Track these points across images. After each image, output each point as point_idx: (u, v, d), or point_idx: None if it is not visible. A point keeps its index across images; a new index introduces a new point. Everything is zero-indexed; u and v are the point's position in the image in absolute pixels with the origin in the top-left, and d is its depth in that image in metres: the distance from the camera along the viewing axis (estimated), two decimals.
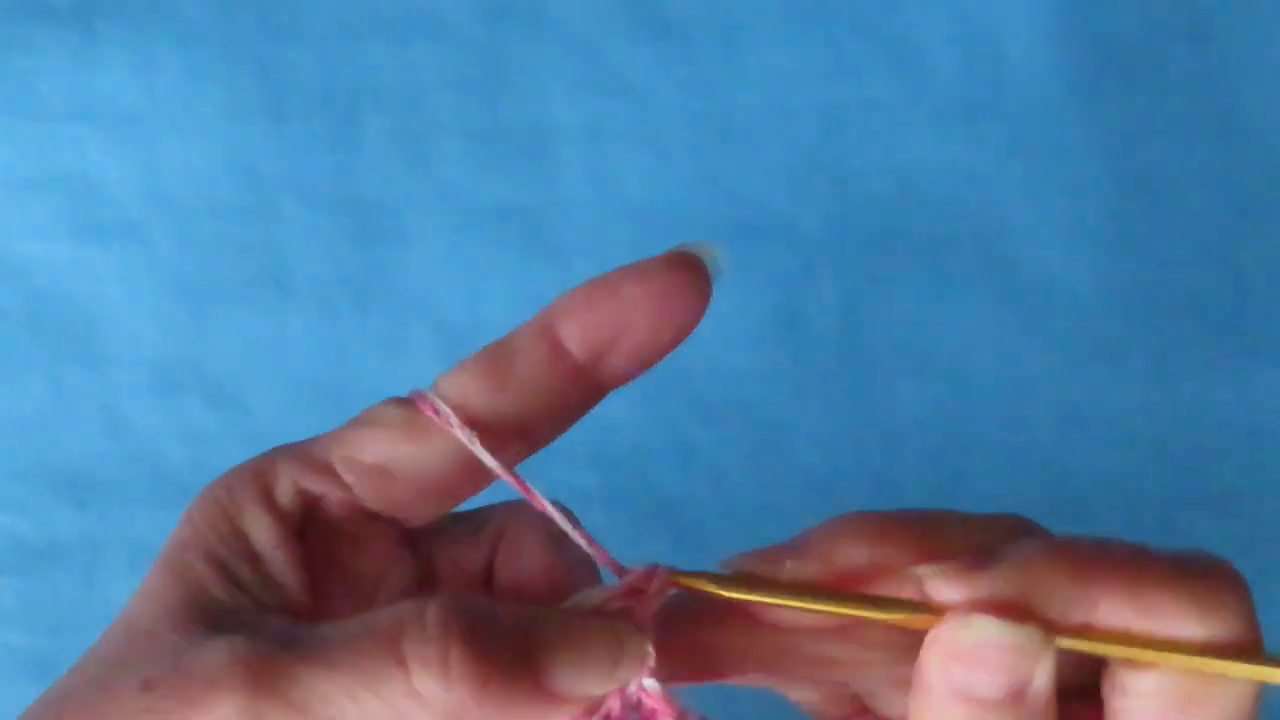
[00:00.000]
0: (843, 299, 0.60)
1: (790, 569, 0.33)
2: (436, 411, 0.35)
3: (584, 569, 0.37)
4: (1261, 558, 0.58)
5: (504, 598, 0.37)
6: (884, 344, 0.60)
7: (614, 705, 0.32)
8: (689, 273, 0.35)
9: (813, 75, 0.61)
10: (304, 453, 0.36)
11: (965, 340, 0.59)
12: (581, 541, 0.35)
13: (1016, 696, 0.31)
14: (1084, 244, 0.60)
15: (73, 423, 0.58)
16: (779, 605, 0.33)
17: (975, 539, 0.33)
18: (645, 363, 0.35)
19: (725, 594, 0.34)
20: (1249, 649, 0.32)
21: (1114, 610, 0.31)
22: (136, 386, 0.59)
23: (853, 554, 0.33)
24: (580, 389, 0.35)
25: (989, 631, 0.31)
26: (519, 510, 0.38)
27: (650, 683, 0.33)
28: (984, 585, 0.31)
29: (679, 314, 0.35)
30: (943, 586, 0.31)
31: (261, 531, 0.35)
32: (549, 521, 0.36)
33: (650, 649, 0.33)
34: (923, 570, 0.32)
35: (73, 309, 0.59)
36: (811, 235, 0.60)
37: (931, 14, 0.62)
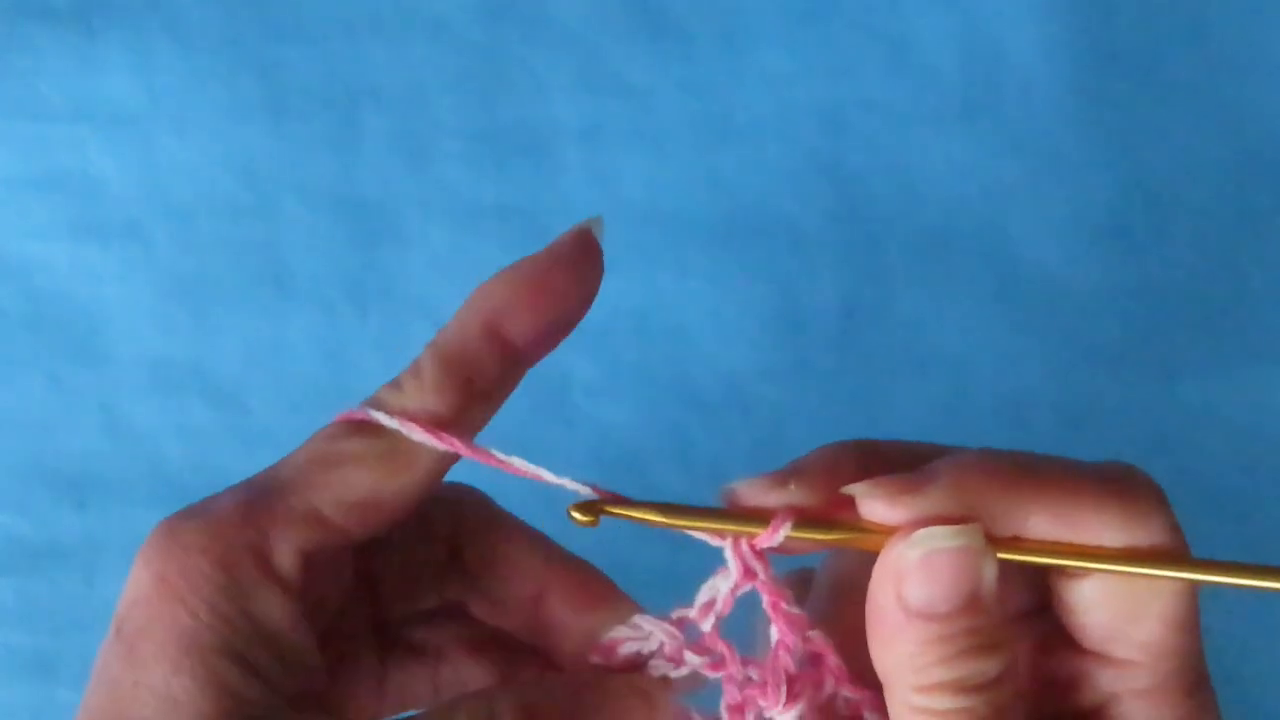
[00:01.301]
0: (843, 299, 0.60)
1: (793, 492, 0.34)
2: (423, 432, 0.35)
3: (563, 558, 0.38)
4: (1261, 558, 0.58)
5: (492, 589, 0.38)
6: (884, 344, 0.60)
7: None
8: (597, 250, 0.37)
9: (813, 75, 0.61)
10: (287, 509, 0.34)
11: (965, 340, 0.59)
12: (552, 479, 0.35)
13: (971, 602, 0.32)
14: (1084, 244, 0.60)
15: (73, 423, 0.58)
16: (714, 530, 0.34)
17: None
18: (560, 341, 0.36)
19: (663, 521, 0.34)
20: (1172, 554, 0.34)
21: (1043, 522, 0.32)
22: (136, 386, 0.59)
23: (845, 478, 0.34)
24: (517, 380, 0.36)
25: (936, 539, 0.32)
26: (468, 518, 0.38)
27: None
28: (919, 503, 0.32)
29: (593, 292, 0.36)
30: (878, 506, 0.32)
31: (273, 612, 0.33)
32: (507, 518, 0.38)
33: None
34: (856, 488, 0.33)
35: (73, 309, 0.59)
36: (811, 235, 0.60)
37: (931, 14, 0.62)
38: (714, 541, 0.34)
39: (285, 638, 0.33)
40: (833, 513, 0.34)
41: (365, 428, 0.35)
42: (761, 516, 0.34)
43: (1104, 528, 0.33)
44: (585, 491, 0.35)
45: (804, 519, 0.34)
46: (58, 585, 0.57)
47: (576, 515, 0.34)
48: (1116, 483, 0.34)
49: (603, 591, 0.37)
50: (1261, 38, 0.62)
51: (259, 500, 0.34)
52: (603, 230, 0.37)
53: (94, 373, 0.59)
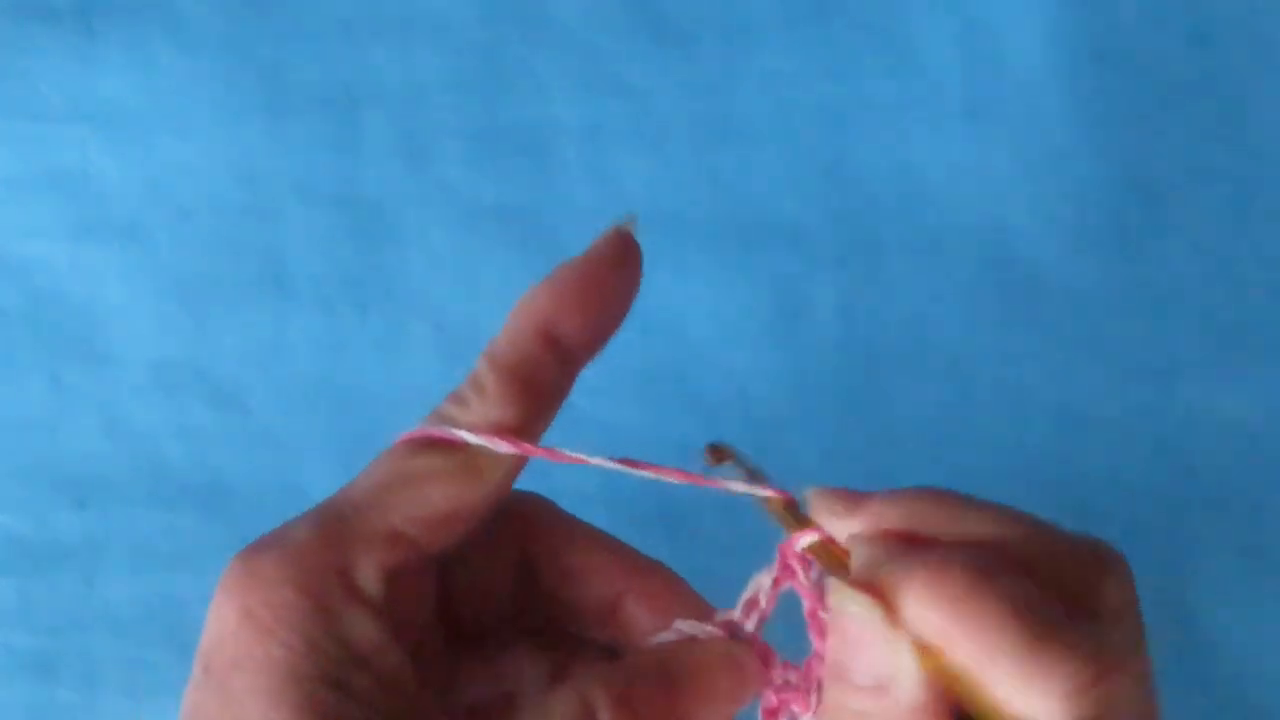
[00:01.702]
0: (843, 299, 0.60)
1: (842, 520, 0.34)
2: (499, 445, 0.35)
3: (632, 556, 0.38)
4: (1261, 558, 0.58)
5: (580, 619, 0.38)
6: (884, 344, 0.59)
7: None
8: (635, 247, 0.37)
9: (813, 75, 0.61)
10: (367, 529, 0.34)
11: (965, 340, 0.59)
12: (650, 474, 0.37)
13: None
14: (1084, 244, 0.60)
15: (73, 423, 0.58)
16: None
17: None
18: (608, 340, 0.37)
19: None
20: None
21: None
22: (136, 386, 0.59)
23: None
24: (572, 382, 0.37)
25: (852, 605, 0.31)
26: (534, 525, 0.38)
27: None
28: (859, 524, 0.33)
29: (635, 290, 0.37)
30: (823, 513, 0.34)
31: (364, 634, 0.32)
32: (573, 522, 0.38)
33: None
34: (814, 492, 0.34)
35: (73, 309, 0.59)
36: (811, 235, 0.60)
37: (931, 14, 0.62)
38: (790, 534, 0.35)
39: (378, 659, 0.32)
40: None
41: (434, 445, 0.35)
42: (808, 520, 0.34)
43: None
44: (670, 478, 0.36)
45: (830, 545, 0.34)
46: (58, 585, 0.57)
47: (710, 456, 0.36)
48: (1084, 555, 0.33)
49: (682, 594, 0.37)
50: (1262, 38, 0.62)
51: (336, 524, 0.34)
52: (637, 228, 0.38)
53: (94, 373, 0.59)
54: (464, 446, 0.34)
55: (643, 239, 0.60)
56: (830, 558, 0.34)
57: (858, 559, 0.32)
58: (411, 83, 0.61)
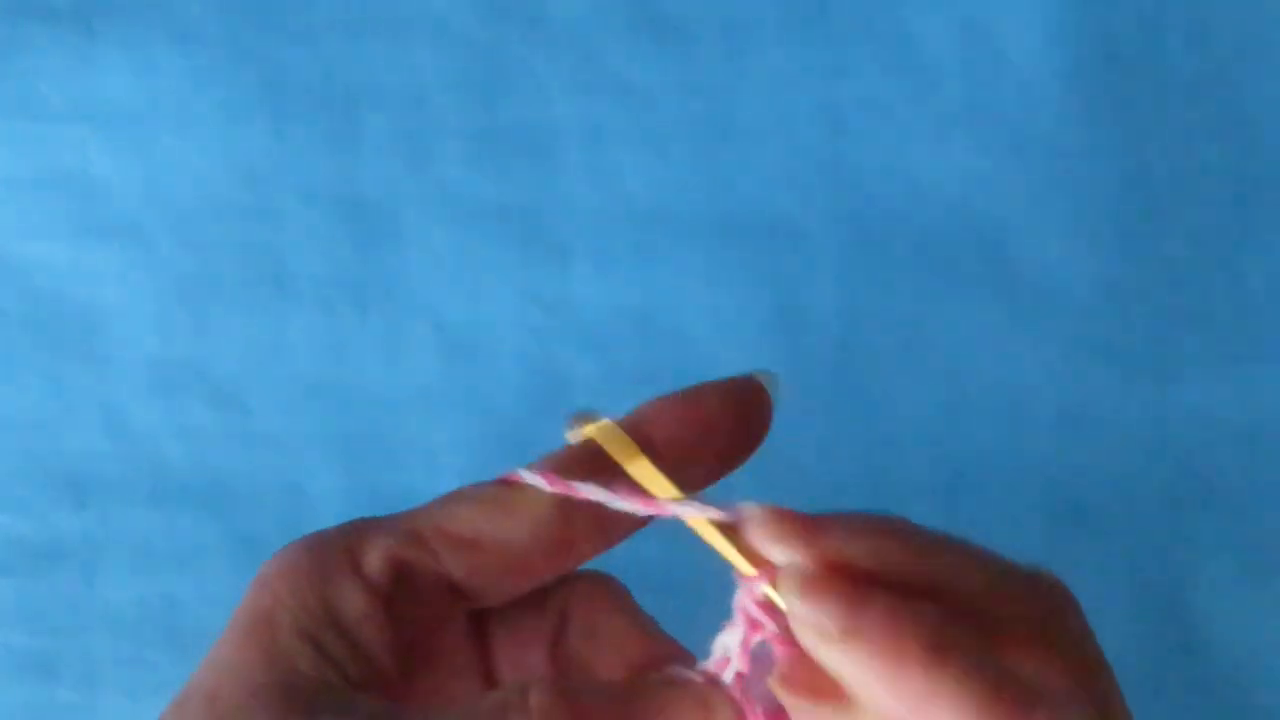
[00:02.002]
0: (843, 299, 0.60)
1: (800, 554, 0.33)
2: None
3: (666, 640, 0.38)
4: (1262, 558, 0.58)
5: (587, 675, 0.38)
6: (884, 344, 0.60)
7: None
8: (761, 395, 0.37)
9: (813, 75, 0.61)
10: (391, 523, 0.36)
11: (965, 340, 0.59)
12: (696, 512, 0.34)
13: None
14: (1084, 244, 0.60)
15: (73, 423, 0.58)
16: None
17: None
18: (720, 474, 0.37)
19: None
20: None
21: None
22: (136, 386, 0.59)
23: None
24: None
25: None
26: (583, 589, 0.38)
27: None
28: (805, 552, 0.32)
29: (755, 432, 0.37)
30: (766, 542, 0.32)
31: (350, 602, 0.34)
32: (623, 595, 0.38)
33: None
34: (758, 512, 0.33)
35: (73, 309, 0.59)
36: (811, 235, 0.60)
37: (931, 14, 0.62)
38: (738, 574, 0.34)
39: (356, 628, 0.34)
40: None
41: (499, 480, 0.36)
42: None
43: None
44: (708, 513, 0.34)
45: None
46: (58, 585, 0.57)
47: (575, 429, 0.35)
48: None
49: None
50: (1261, 38, 0.62)
51: (370, 518, 0.36)
52: (775, 384, 0.38)
53: (94, 373, 0.59)
54: (517, 485, 0.36)
55: (642, 239, 0.61)
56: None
57: (804, 616, 0.31)
58: (411, 83, 0.61)
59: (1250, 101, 0.61)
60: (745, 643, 0.33)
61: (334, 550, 0.35)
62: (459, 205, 0.60)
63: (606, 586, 0.39)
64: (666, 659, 0.36)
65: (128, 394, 0.59)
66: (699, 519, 0.34)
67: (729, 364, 0.60)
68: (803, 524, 0.32)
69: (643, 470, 0.35)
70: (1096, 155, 0.61)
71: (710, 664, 0.34)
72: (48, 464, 0.58)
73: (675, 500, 0.35)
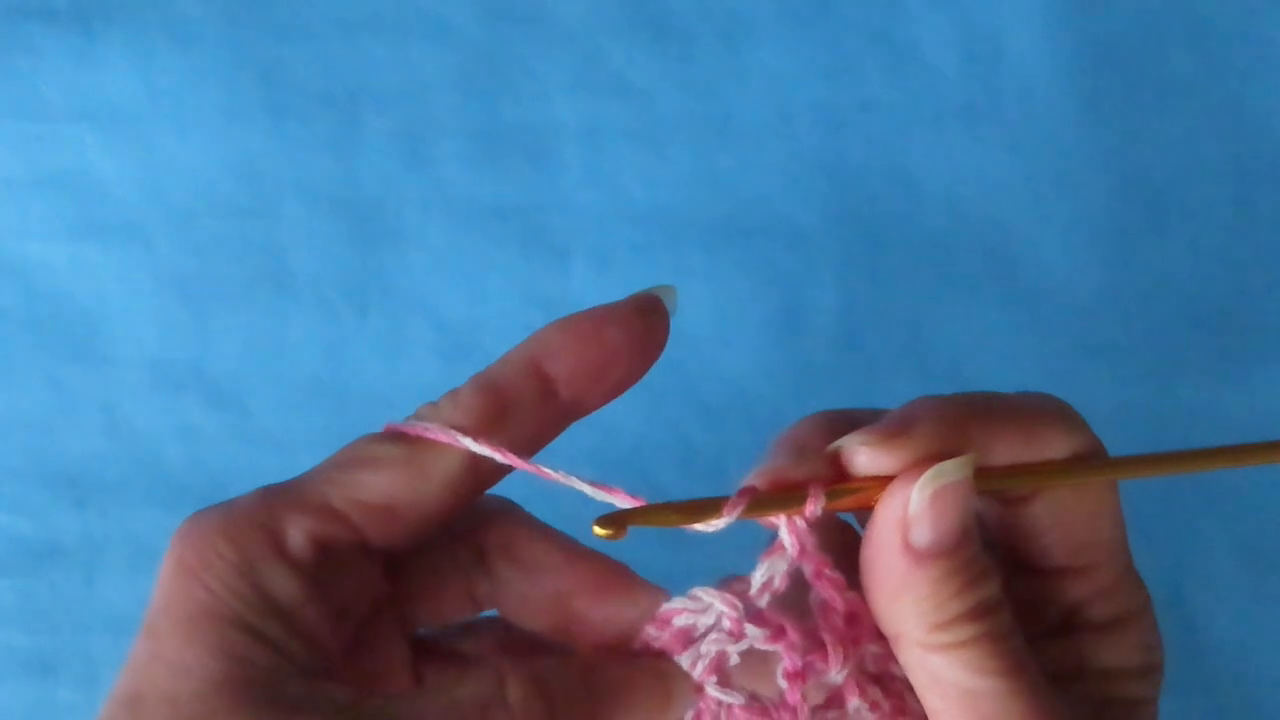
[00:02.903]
0: (843, 299, 0.60)
1: (808, 465, 0.35)
2: (439, 435, 0.36)
3: (590, 557, 0.38)
4: (1261, 558, 0.58)
5: (521, 606, 0.38)
6: (884, 344, 0.60)
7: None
8: (658, 317, 0.38)
9: (813, 75, 0.61)
10: (302, 498, 0.35)
11: (965, 340, 0.59)
12: (592, 492, 0.36)
13: (970, 531, 0.34)
14: (1084, 244, 0.60)
15: (73, 423, 0.58)
16: (750, 516, 0.35)
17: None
18: (615, 396, 0.38)
19: (687, 522, 0.35)
20: (1103, 455, 0.37)
21: (1008, 448, 0.35)
22: (136, 386, 0.59)
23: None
24: (558, 421, 0.38)
25: (946, 475, 0.34)
26: (495, 520, 0.38)
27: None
28: (910, 446, 0.34)
29: (650, 355, 0.38)
30: (871, 454, 0.34)
31: (284, 587, 0.34)
32: (533, 521, 0.38)
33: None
34: (846, 441, 0.35)
35: (73, 309, 0.59)
36: (811, 235, 0.60)
37: (931, 14, 0.62)
38: (768, 524, 0.35)
39: (296, 612, 0.34)
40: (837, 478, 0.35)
41: (398, 437, 0.36)
42: (779, 497, 0.35)
43: (1056, 441, 0.35)
44: (619, 501, 0.35)
45: (828, 487, 0.35)
46: (58, 585, 0.57)
47: (599, 530, 0.35)
48: (1049, 400, 0.37)
49: (623, 581, 0.38)
50: (1261, 38, 0.62)
51: (277, 491, 0.36)
52: (675, 300, 0.39)
53: (94, 373, 0.59)
54: (418, 441, 0.36)
55: (642, 239, 0.61)
56: (855, 501, 0.35)
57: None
58: (411, 83, 0.61)
59: (1250, 101, 0.61)
60: (794, 563, 0.36)
61: (254, 534, 0.34)
62: (459, 205, 0.60)
63: (513, 515, 0.39)
64: (595, 582, 0.37)
65: (128, 394, 0.59)
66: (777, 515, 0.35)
67: (729, 364, 0.60)
68: (887, 432, 0.35)
69: (676, 517, 0.35)
70: (1096, 155, 0.61)
71: (753, 588, 0.36)
72: (48, 464, 0.58)
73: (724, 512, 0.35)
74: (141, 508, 0.58)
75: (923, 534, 0.33)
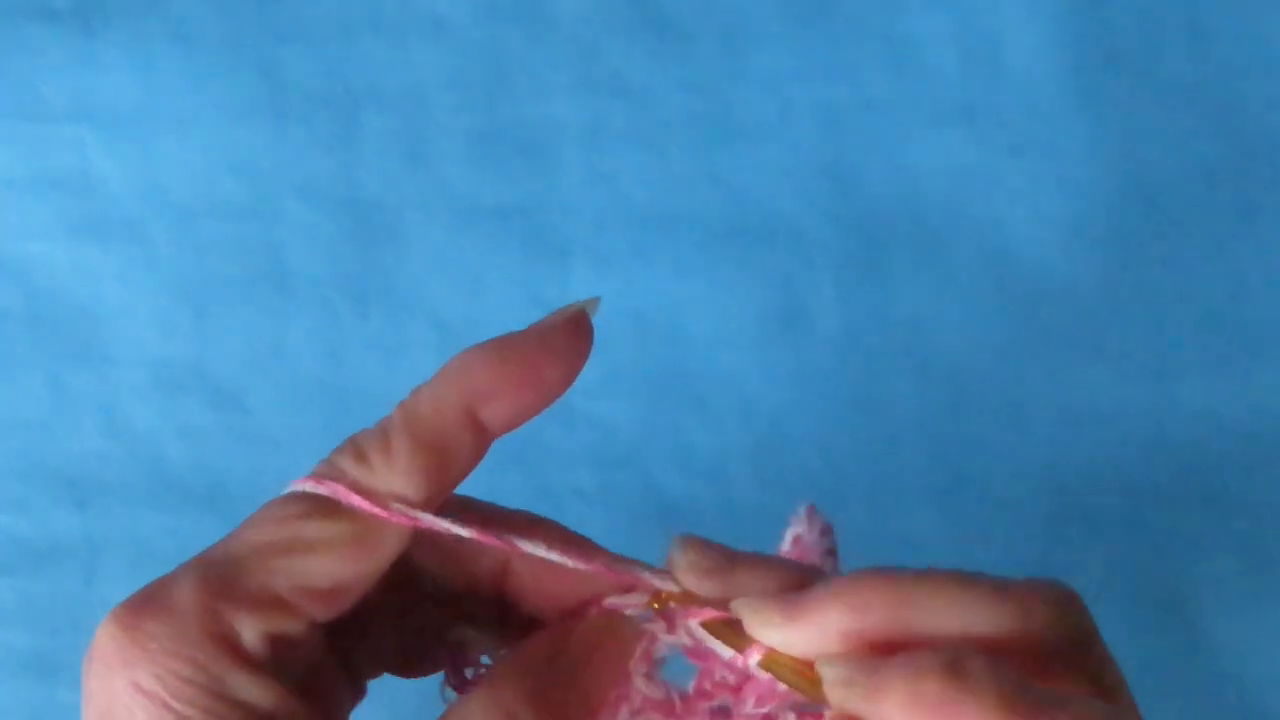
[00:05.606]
0: (843, 299, 0.60)
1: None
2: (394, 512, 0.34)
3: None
4: (1262, 558, 0.58)
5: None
6: (884, 344, 0.60)
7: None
8: (587, 335, 0.36)
9: (813, 75, 0.61)
10: (248, 593, 0.33)
11: (965, 340, 0.59)
12: (557, 559, 0.35)
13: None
14: (1084, 244, 0.60)
15: (73, 423, 0.58)
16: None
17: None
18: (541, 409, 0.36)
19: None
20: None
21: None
22: (136, 386, 0.59)
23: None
24: (484, 453, 0.36)
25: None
26: None
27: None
28: (799, 635, 0.32)
29: (575, 366, 0.36)
30: (759, 628, 0.33)
31: (259, 695, 0.32)
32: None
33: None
34: (739, 605, 0.33)
35: (73, 309, 0.59)
36: (811, 235, 0.60)
37: (931, 14, 0.62)
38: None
39: (275, 710, 0.33)
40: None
41: (327, 507, 0.34)
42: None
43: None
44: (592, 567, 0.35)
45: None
46: (58, 585, 0.57)
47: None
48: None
49: (558, 541, 0.36)
50: (1261, 38, 0.62)
51: (218, 585, 0.33)
52: (597, 309, 0.37)
53: (94, 373, 0.59)
54: (359, 514, 0.33)
55: (642, 239, 0.61)
56: (791, 674, 0.33)
57: (828, 677, 0.31)
58: (411, 83, 0.61)
59: (1250, 101, 0.61)
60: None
61: (210, 646, 0.32)
62: (459, 205, 0.60)
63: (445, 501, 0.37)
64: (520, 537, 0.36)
65: (128, 394, 0.59)
66: (700, 616, 0.34)
67: (729, 364, 0.60)
68: (786, 607, 0.32)
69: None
70: (1096, 155, 0.61)
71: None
72: (48, 464, 0.58)
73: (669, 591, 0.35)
74: (141, 508, 0.58)
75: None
